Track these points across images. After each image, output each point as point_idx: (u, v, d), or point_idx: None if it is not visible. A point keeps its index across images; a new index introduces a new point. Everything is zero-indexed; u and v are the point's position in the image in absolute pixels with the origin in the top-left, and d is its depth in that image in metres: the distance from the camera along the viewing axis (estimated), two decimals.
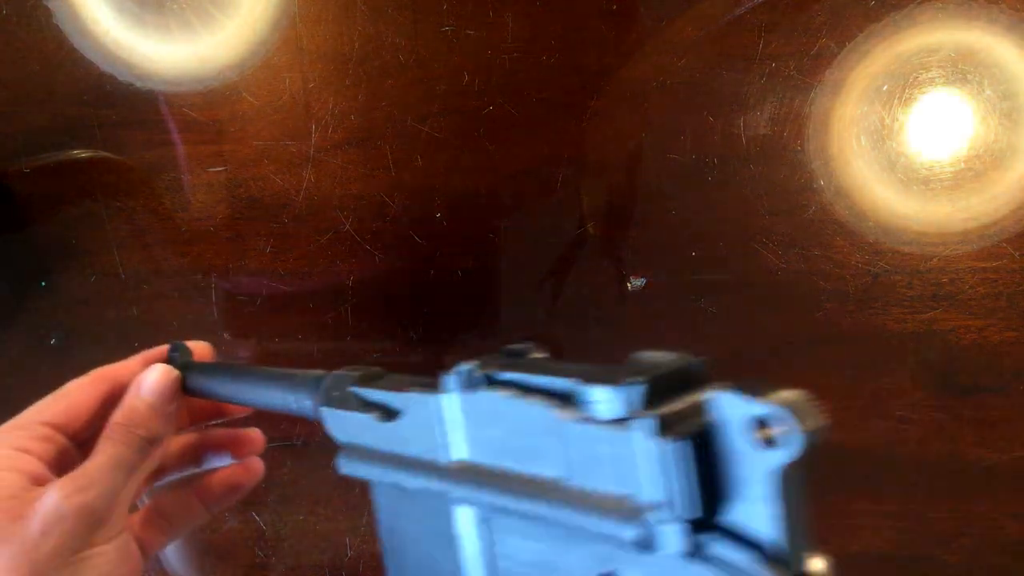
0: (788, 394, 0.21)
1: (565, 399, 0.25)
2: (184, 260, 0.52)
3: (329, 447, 0.54)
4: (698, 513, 0.22)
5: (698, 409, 0.22)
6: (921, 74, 0.48)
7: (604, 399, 0.23)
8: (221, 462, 0.43)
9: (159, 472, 0.43)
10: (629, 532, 0.23)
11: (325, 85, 0.50)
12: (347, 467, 0.32)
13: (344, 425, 0.33)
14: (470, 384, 0.27)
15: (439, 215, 0.51)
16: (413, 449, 0.30)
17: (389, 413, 0.31)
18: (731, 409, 0.21)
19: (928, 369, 0.50)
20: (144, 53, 0.51)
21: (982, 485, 0.50)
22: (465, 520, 0.29)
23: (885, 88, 0.48)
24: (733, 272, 0.50)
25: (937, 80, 0.48)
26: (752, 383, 0.22)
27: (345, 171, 0.51)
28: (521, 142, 0.50)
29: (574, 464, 0.24)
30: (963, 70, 0.48)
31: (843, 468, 0.51)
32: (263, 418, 0.52)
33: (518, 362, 0.28)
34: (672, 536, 0.22)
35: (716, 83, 0.49)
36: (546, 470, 0.25)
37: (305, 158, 0.51)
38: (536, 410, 0.25)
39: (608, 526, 0.23)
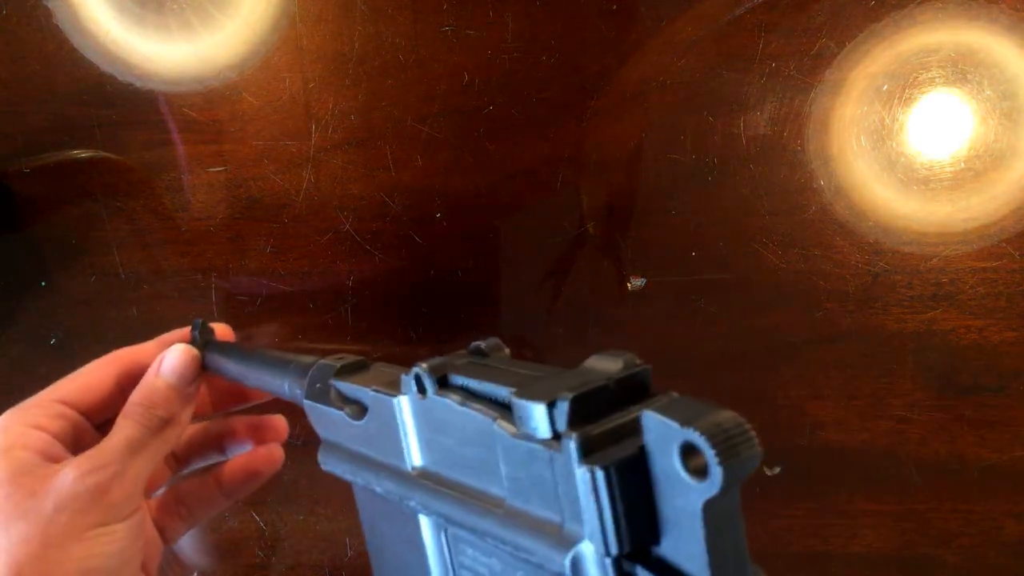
0: (718, 417, 0.18)
1: (507, 410, 0.23)
2: (184, 260, 0.52)
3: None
4: (623, 548, 0.20)
5: (633, 429, 0.20)
6: (921, 74, 0.48)
7: (533, 416, 0.21)
8: (244, 450, 0.43)
9: (182, 461, 0.43)
10: (557, 564, 0.21)
11: (325, 85, 0.50)
12: (327, 464, 0.32)
13: (322, 420, 0.32)
14: (421, 387, 0.26)
15: (439, 215, 0.51)
16: (378, 451, 0.29)
17: (362, 410, 0.30)
18: (658, 432, 0.19)
19: (928, 369, 0.50)
20: (144, 53, 0.51)
21: (982, 485, 0.50)
22: (426, 527, 0.28)
23: (885, 88, 0.48)
24: (733, 272, 0.50)
25: (937, 80, 0.48)
26: (688, 402, 0.19)
27: (345, 171, 0.51)
28: (521, 142, 0.50)
29: (514, 482, 0.23)
30: (963, 70, 0.48)
31: (843, 468, 0.51)
32: (275, 406, 0.52)
33: (475, 363, 0.26)
34: (597, 572, 0.20)
35: (716, 83, 0.49)
36: (491, 486, 0.24)
37: (305, 158, 0.51)
38: (480, 421, 0.23)
39: (542, 553, 0.22)
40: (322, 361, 0.33)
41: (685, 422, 0.18)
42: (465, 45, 0.50)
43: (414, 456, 0.27)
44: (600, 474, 0.19)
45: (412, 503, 0.27)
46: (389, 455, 0.28)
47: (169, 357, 0.38)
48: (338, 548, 0.54)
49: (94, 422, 0.38)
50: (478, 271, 0.51)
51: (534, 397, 0.21)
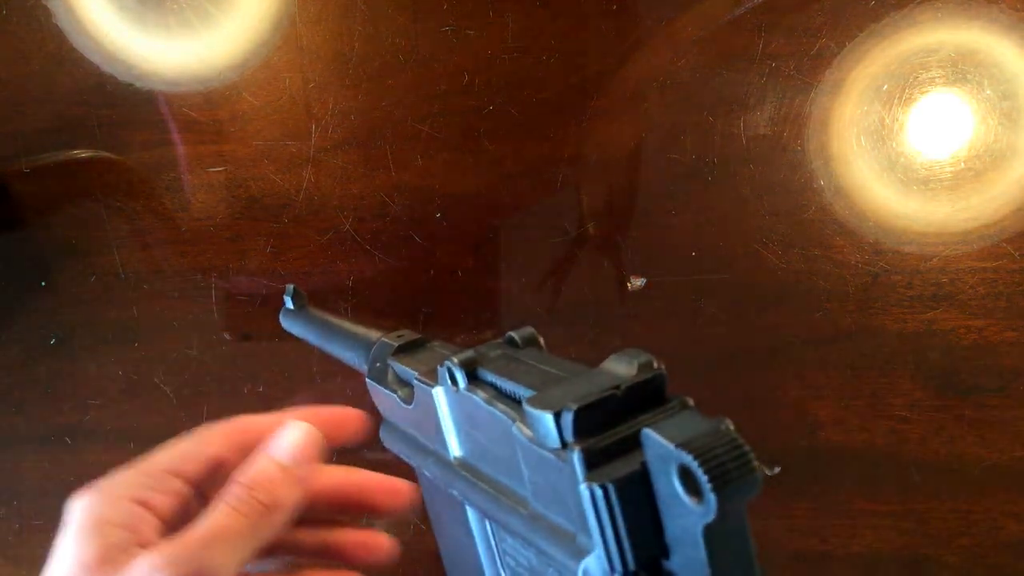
0: (715, 440, 0.17)
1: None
2: (184, 260, 0.52)
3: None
4: (627, 566, 0.19)
5: (639, 441, 0.19)
6: (921, 74, 0.48)
7: (542, 424, 0.21)
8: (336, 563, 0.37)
9: (263, 553, 0.37)
10: (571, 572, 0.21)
11: (325, 85, 0.50)
12: (386, 441, 0.32)
13: (381, 399, 0.32)
14: (454, 380, 0.26)
15: (439, 215, 0.51)
16: (426, 436, 0.29)
17: (412, 394, 0.30)
18: (657, 451, 0.18)
19: (928, 369, 0.50)
20: (144, 53, 0.51)
21: (982, 485, 0.50)
22: (471, 513, 0.28)
23: (885, 88, 0.48)
24: (733, 272, 0.50)
25: (937, 80, 0.48)
26: (691, 418, 0.18)
27: (345, 171, 0.51)
28: (521, 142, 0.50)
29: (534, 485, 0.23)
30: (963, 70, 0.48)
31: (843, 468, 0.51)
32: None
33: (506, 358, 0.26)
34: None
35: (716, 83, 0.49)
36: (518, 485, 0.24)
37: (305, 158, 0.51)
38: (502, 421, 0.23)
39: (559, 560, 0.21)
40: (383, 339, 0.33)
41: (681, 444, 0.17)
42: (465, 45, 0.50)
43: (453, 446, 0.27)
44: (599, 492, 0.19)
45: (454, 492, 0.27)
46: (435, 442, 0.28)
47: (287, 434, 0.33)
48: None
49: (207, 499, 0.34)
50: (478, 271, 0.51)
51: (543, 406, 0.21)
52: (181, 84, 0.51)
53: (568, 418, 0.20)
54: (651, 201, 0.50)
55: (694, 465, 0.17)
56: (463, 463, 0.27)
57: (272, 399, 0.53)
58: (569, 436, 0.20)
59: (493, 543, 0.28)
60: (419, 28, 0.50)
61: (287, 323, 0.43)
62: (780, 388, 0.51)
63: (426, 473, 0.29)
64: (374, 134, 0.51)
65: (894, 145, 0.49)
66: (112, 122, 0.51)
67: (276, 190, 0.51)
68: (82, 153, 0.52)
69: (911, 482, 0.51)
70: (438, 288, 0.52)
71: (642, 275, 0.51)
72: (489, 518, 0.26)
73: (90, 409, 0.53)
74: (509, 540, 0.27)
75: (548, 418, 0.20)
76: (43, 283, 0.53)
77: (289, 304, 0.41)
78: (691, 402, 0.21)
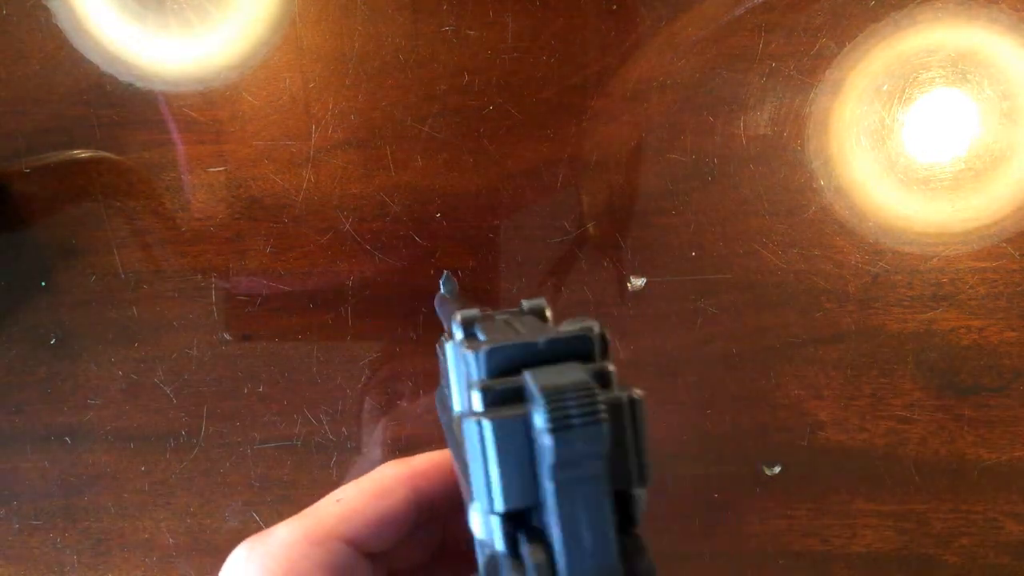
0: (570, 384, 0.17)
1: None
2: (184, 260, 0.52)
3: (328, 447, 0.54)
4: (494, 506, 0.19)
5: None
6: (921, 74, 0.48)
7: (470, 365, 0.21)
8: None
9: None
10: (467, 516, 0.21)
11: (325, 85, 0.50)
12: (437, 404, 0.32)
13: (439, 363, 0.33)
14: (452, 336, 0.26)
15: (439, 215, 0.51)
16: (450, 393, 0.30)
17: None
18: (530, 392, 0.18)
19: (928, 369, 0.50)
20: (144, 53, 0.51)
21: (982, 485, 0.50)
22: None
23: (885, 88, 0.48)
24: (733, 272, 0.50)
25: (937, 80, 0.48)
26: (572, 369, 0.18)
27: (345, 171, 0.51)
28: (521, 142, 0.50)
29: None
30: (963, 70, 0.48)
31: (843, 468, 0.51)
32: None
33: (500, 318, 0.26)
34: (484, 528, 0.20)
35: (716, 83, 0.49)
36: None
37: (305, 158, 0.51)
38: None
39: (468, 501, 0.21)
40: (462, 311, 0.34)
41: (541, 385, 0.18)
42: (465, 45, 0.50)
43: (455, 401, 0.28)
44: (475, 428, 0.19)
45: (453, 447, 0.27)
46: (449, 398, 0.29)
47: None
48: None
49: (372, 551, 0.32)
50: (478, 271, 0.51)
51: (471, 348, 0.21)
52: (181, 84, 0.51)
53: (481, 358, 0.20)
54: (651, 201, 0.50)
55: (541, 405, 0.17)
56: (458, 417, 0.28)
57: (272, 399, 0.53)
58: (481, 375, 0.20)
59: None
60: (419, 28, 0.50)
61: (438, 308, 0.44)
62: (780, 388, 0.51)
63: (451, 433, 0.30)
64: (374, 134, 0.51)
65: (894, 145, 0.49)
66: (112, 122, 0.51)
67: (276, 190, 0.51)
68: (82, 153, 0.52)
69: (911, 482, 0.51)
70: (438, 288, 0.52)
71: (642, 275, 0.51)
72: (461, 473, 0.27)
73: (90, 409, 0.53)
74: None
75: (471, 357, 0.21)
76: (43, 283, 0.53)
77: (443, 290, 0.42)
78: (611, 367, 0.21)
